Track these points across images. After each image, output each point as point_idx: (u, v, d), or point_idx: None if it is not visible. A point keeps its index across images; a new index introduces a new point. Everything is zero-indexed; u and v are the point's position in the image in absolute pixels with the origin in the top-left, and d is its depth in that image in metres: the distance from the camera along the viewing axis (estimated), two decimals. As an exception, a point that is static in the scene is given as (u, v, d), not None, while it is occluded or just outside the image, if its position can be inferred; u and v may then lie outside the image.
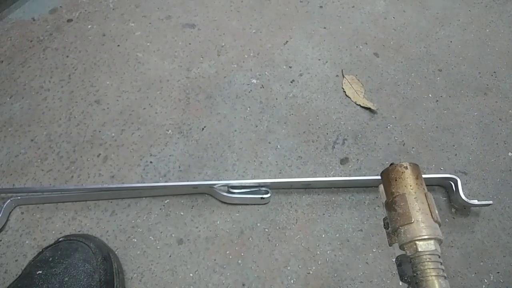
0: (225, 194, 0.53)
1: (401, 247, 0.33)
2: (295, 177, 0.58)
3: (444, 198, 0.58)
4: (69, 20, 0.76)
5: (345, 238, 0.53)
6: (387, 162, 0.60)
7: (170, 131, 0.62)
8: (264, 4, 0.82)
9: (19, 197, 0.53)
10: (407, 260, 0.32)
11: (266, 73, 0.71)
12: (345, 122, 0.65)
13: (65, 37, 0.73)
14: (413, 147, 0.63)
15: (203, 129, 0.63)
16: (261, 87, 0.69)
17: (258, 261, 0.51)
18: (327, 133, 0.63)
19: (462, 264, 0.52)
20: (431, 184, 0.59)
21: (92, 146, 0.60)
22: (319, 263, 0.51)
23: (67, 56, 0.70)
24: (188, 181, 0.57)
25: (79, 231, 0.52)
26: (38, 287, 0.40)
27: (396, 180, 0.34)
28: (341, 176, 0.59)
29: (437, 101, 0.69)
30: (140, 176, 0.57)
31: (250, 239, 0.52)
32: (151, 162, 0.58)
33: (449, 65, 0.74)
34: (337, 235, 0.53)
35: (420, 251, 0.31)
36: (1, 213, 0.51)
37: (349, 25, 0.80)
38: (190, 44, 0.74)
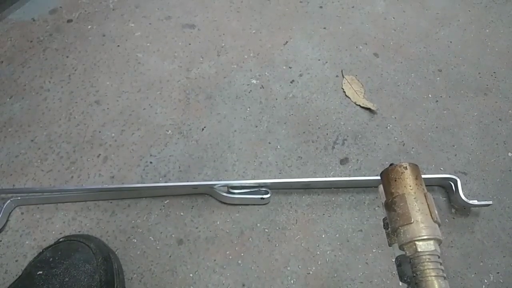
0: (225, 194, 0.53)
1: (401, 247, 0.33)
2: (295, 177, 0.58)
3: (444, 198, 0.58)
4: (69, 21, 0.76)
5: (345, 238, 0.53)
6: (386, 163, 0.60)
7: (170, 131, 0.62)
8: (264, 5, 0.82)
9: (19, 198, 0.53)
10: (407, 261, 0.32)
11: (266, 73, 0.71)
12: (345, 122, 0.65)
13: (65, 38, 0.73)
14: (413, 147, 0.63)
15: (203, 129, 0.63)
16: (261, 88, 0.69)
17: (258, 262, 0.51)
18: (327, 133, 0.63)
19: (462, 264, 0.52)
20: (431, 185, 0.59)
21: (92, 146, 0.60)
22: (319, 263, 0.51)
23: (67, 57, 0.70)
24: (188, 181, 0.57)
25: (79, 232, 0.52)
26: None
27: (395, 180, 0.34)
28: (341, 176, 0.59)
29: (437, 101, 0.69)
30: (140, 177, 0.57)
31: (250, 239, 0.52)
32: (151, 162, 0.58)
33: (449, 65, 0.75)
34: (337, 235, 0.53)
35: (420, 251, 0.31)
36: (1, 213, 0.51)
37: (349, 26, 0.80)
38: (190, 44, 0.74)
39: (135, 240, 0.52)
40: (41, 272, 0.41)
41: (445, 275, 0.30)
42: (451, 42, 0.79)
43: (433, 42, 0.78)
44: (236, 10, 0.81)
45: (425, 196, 0.33)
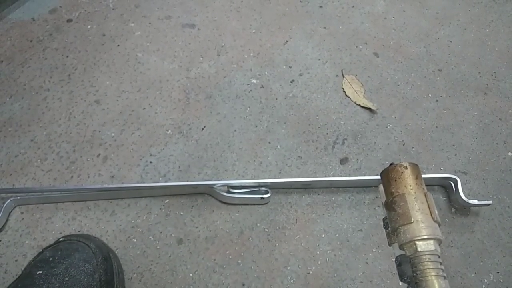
0: (225, 194, 0.53)
1: (401, 247, 0.33)
2: (295, 177, 0.58)
3: (444, 198, 0.58)
4: (69, 20, 0.76)
5: (345, 238, 0.53)
6: (387, 162, 0.60)
7: (170, 131, 0.62)
8: (264, 4, 0.82)
9: (19, 197, 0.53)
10: (407, 260, 0.32)
11: (266, 73, 0.71)
12: (345, 122, 0.65)
13: (65, 37, 0.73)
14: (413, 147, 0.63)
15: (203, 129, 0.63)
16: (261, 87, 0.68)
17: (258, 261, 0.51)
18: (327, 133, 0.63)
19: (462, 264, 0.52)
20: (431, 184, 0.59)
21: (92, 146, 0.60)
22: (319, 263, 0.51)
23: (67, 56, 0.70)
24: (188, 181, 0.57)
25: (79, 231, 0.52)
26: (38, 287, 0.40)
27: (395, 180, 0.34)
28: (341, 176, 0.59)
29: (437, 101, 0.69)
30: (140, 176, 0.57)
31: (250, 239, 0.52)
32: (151, 162, 0.58)
33: (449, 65, 0.74)
34: (337, 235, 0.53)
35: (420, 251, 0.31)
36: (1, 213, 0.51)
37: (349, 25, 0.80)
38: (190, 44, 0.74)
39: (135, 240, 0.52)
40: (41, 272, 0.41)
41: (445, 274, 0.30)
42: (451, 41, 0.79)
43: (433, 42, 0.78)
44: (236, 10, 0.81)
45: (425, 195, 0.33)
